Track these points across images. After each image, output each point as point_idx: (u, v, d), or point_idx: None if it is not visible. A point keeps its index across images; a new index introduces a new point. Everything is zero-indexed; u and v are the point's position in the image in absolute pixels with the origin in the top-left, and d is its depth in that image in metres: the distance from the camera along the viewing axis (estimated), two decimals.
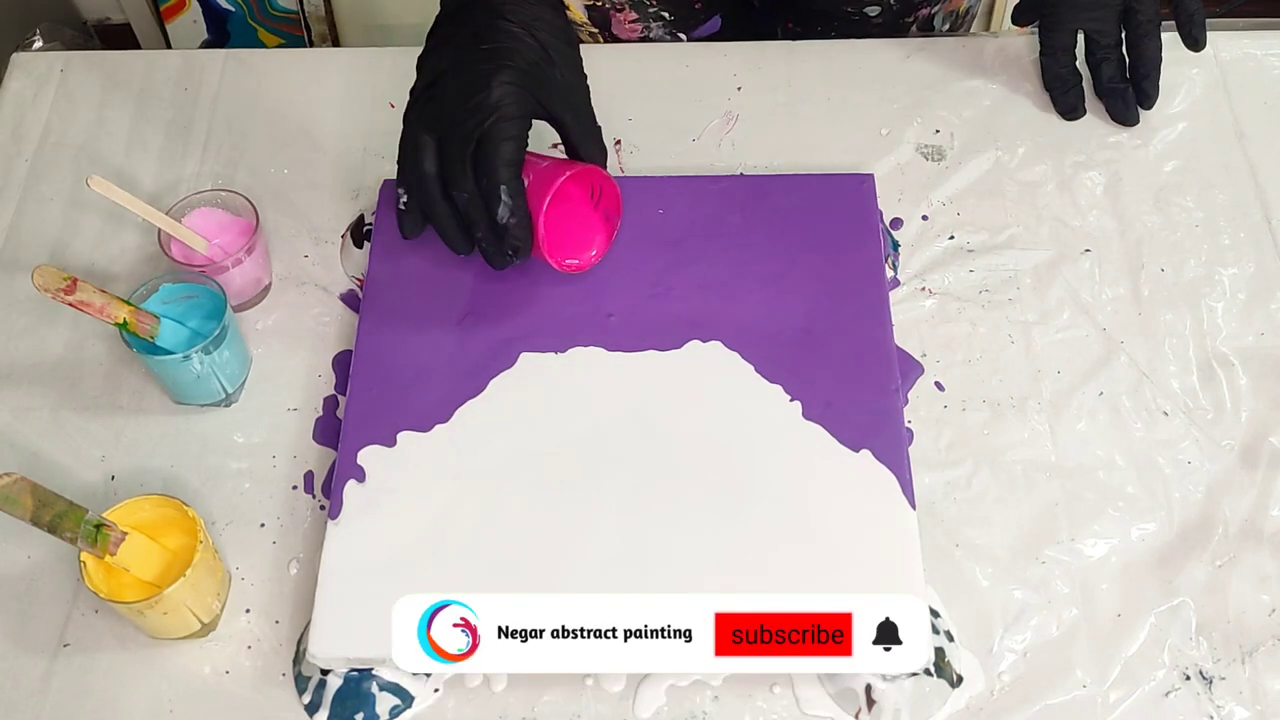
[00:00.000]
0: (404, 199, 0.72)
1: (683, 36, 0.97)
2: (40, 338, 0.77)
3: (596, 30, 0.98)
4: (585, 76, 0.71)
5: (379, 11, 1.65)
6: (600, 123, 0.72)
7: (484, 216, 0.68)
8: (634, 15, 0.95)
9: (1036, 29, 0.87)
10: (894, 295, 0.78)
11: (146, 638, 0.66)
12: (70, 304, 0.66)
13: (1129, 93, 0.85)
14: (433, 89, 0.68)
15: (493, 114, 0.65)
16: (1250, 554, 0.68)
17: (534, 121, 0.69)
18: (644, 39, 0.97)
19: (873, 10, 0.94)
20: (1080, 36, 0.85)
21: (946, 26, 0.99)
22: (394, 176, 0.80)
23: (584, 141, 0.71)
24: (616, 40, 0.98)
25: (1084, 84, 0.86)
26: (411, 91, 0.70)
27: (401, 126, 0.70)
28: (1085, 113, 0.86)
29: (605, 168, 0.72)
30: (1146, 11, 0.82)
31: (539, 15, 0.68)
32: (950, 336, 0.77)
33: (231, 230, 0.76)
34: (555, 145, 0.73)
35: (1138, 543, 0.69)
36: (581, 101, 0.71)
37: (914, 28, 0.97)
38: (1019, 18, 0.89)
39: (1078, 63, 0.86)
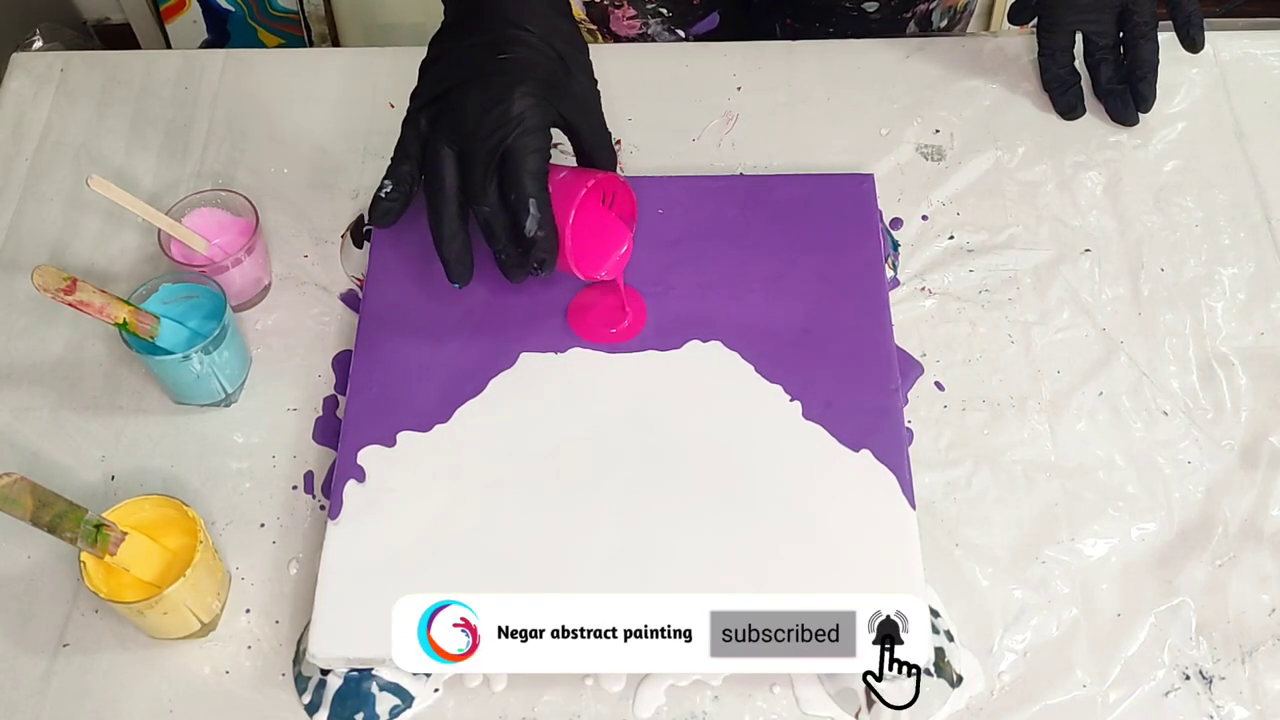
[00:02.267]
0: (388, 189, 0.69)
1: (681, 33, 0.97)
2: (40, 338, 0.77)
3: (595, 26, 0.98)
4: (596, 83, 0.71)
5: (379, 11, 1.65)
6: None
7: (506, 230, 0.67)
8: (632, 11, 0.95)
9: (1035, 29, 0.87)
10: (894, 295, 0.78)
11: (146, 638, 0.66)
12: (70, 304, 0.66)
13: (1127, 93, 0.85)
14: (448, 99, 0.67)
15: (517, 126, 0.65)
16: (1250, 554, 0.68)
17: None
18: (642, 35, 0.97)
19: (870, 6, 0.95)
20: (1078, 37, 0.85)
21: (944, 23, 0.99)
22: None
23: (597, 150, 0.70)
24: (615, 36, 0.98)
25: (1083, 84, 0.86)
26: (413, 95, 0.69)
27: (401, 128, 0.69)
28: (1084, 112, 0.86)
29: (613, 169, 0.72)
30: (1143, 13, 0.82)
31: (555, 25, 0.68)
32: (950, 336, 0.77)
33: (231, 230, 0.76)
34: (556, 145, 0.72)
35: (1138, 543, 0.69)
36: (595, 110, 0.71)
37: (912, 24, 0.97)
38: (1016, 16, 0.89)
39: (1076, 63, 0.86)
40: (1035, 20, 0.87)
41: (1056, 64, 0.86)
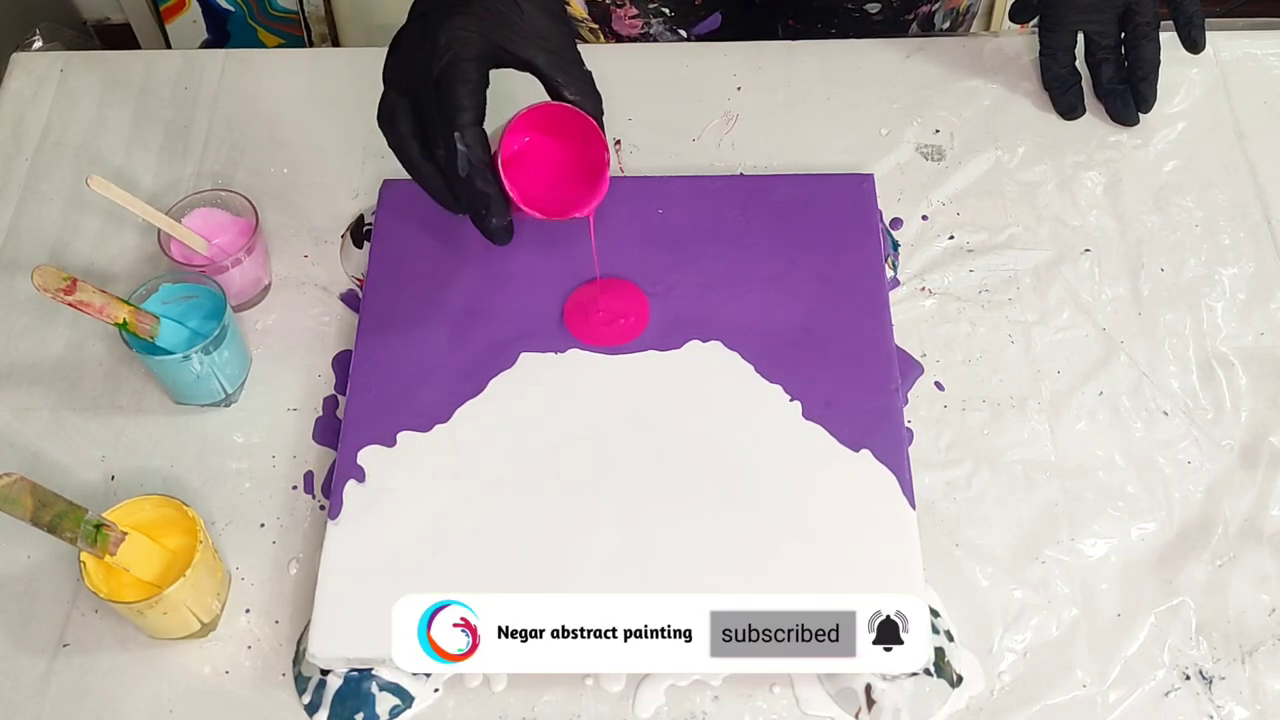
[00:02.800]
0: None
1: (683, 33, 0.97)
2: (40, 338, 0.77)
3: (597, 26, 0.98)
4: (567, 22, 0.67)
5: (379, 11, 1.65)
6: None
7: (455, 173, 0.64)
8: (634, 11, 0.95)
9: (1036, 29, 0.87)
10: (894, 295, 0.78)
11: (146, 638, 0.66)
12: (70, 304, 0.66)
13: (1128, 93, 0.85)
14: (395, 43, 0.66)
15: (444, 58, 0.62)
16: (1250, 554, 0.68)
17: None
18: (644, 34, 0.97)
19: (873, 7, 0.94)
20: (1080, 37, 0.85)
21: (947, 24, 0.99)
22: (394, 176, 0.80)
23: (566, 84, 0.66)
24: (617, 36, 0.98)
25: (1083, 84, 0.86)
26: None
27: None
28: (1084, 112, 0.86)
29: (597, 112, 0.67)
30: (1145, 14, 0.82)
31: None
32: (950, 336, 0.77)
33: (231, 230, 0.76)
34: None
35: (1138, 543, 0.69)
36: (557, 44, 0.66)
37: (914, 25, 0.97)
38: (1017, 15, 0.89)
39: (1077, 63, 0.86)
40: (1036, 20, 0.87)
41: (1058, 64, 0.86)
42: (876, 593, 0.63)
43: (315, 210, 0.82)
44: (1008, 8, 0.91)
